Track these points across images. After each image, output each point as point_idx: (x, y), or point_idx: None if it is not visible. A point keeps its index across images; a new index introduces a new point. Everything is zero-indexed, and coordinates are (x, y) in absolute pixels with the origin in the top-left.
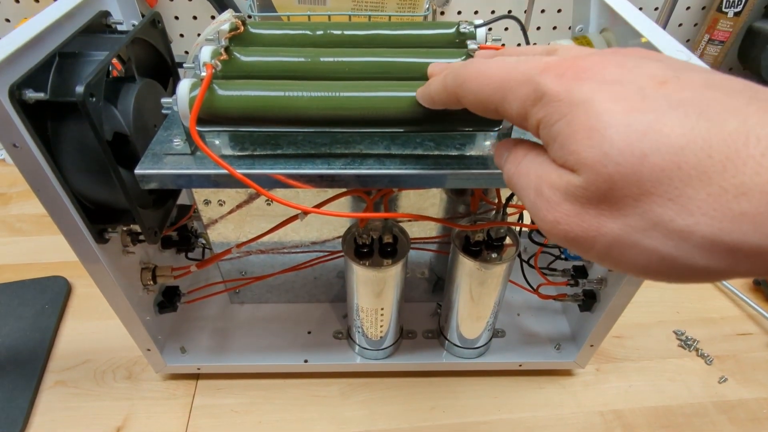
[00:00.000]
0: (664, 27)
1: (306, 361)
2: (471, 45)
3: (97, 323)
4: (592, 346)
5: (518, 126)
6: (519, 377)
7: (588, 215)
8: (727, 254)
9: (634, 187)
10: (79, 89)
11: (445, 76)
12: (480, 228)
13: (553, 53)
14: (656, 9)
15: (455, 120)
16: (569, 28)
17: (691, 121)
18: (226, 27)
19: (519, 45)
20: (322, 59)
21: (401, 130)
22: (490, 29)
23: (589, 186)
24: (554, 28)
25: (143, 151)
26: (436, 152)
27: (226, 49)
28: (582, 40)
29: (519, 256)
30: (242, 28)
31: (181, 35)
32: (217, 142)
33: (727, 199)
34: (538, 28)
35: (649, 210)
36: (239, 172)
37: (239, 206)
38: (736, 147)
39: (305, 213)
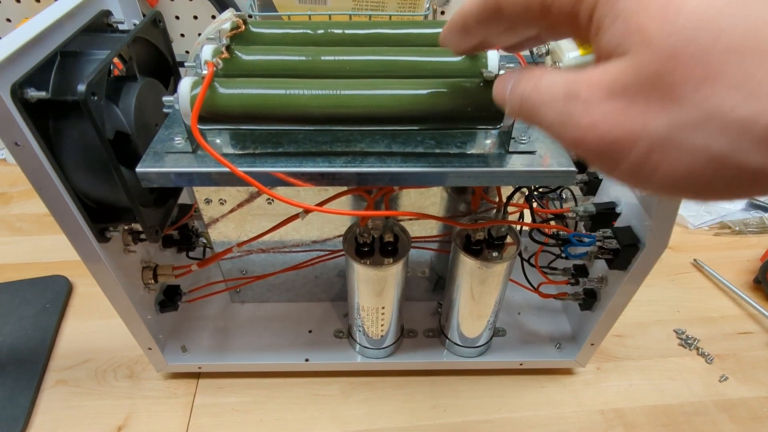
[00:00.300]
0: None
1: (307, 360)
2: None
3: (98, 322)
4: (592, 344)
5: (566, 18)
6: (520, 376)
7: (634, 110)
8: None
9: (699, 69)
10: (81, 88)
11: None
12: (481, 227)
13: None
14: None
15: (456, 118)
16: None
17: None
18: (227, 26)
19: None
20: (323, 58)
21: (402, 128)
22: None
23: (645, 69)
24: None
25: (144, 149)
26: (437, 150)
27: (227, 48)
28: None
29: (520, 254)
30: (243, 27)
31: (182, 35)
32: (218, 140)
33: None
34: None
35: (711, 96)
36: (240, 170)
37: (240, 205)
38: None
39: (306, 211)
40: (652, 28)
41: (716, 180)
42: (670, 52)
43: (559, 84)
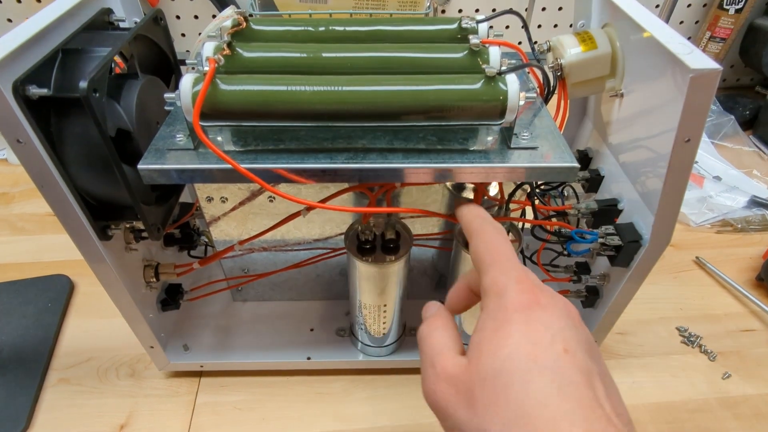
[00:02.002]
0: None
1: (309, 359)
2: (473, 40)
3: (100, 321)
4: (595, 342)
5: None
6: None
7: (456, 398)
8: None
9: (483, 399)
10: (83, 85)
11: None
12: None
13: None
14: (657, 6)
15: (458, 113)
16: (570, 25)
17: (545, 389)
18: (228, 23)
19: (520, 43)
20: (324, 54)
21: (404, 125)
22: (491, 26)
23: (468, 380)
24: (555, 26)
25: (146, 147)
26: (439, 146)
27: (229, 45)
28: (584, 35)
29: (522, 252)
30: (244, 24)
31: (183, 35)
32: (219, 137)
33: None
34: (539, 26)
35: (478, 416)
36: (242, 166)
37: (242, 203)
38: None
39: (308, 209)
40: (484, 353)
41: None
42: (480, 377)
43: (432, 350)
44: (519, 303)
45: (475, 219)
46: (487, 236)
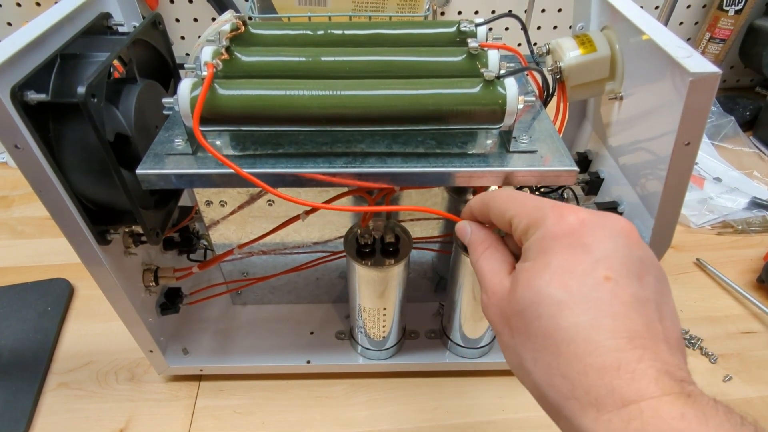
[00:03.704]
0: (665, 25)
1: (308, 362)
2: (472, 43)
3: (99, 325)
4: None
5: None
6: None
7: (502, 316)
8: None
9: (523, 325)
10: (81, 90)
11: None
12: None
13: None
14: (656, 8)
15: (457, 117)
16: (569, 27)
17: (594, 319)
18: (227, 27)
19: (519, 45)
20: (323, 58)
21: (402, 129)
22: (490, 28)
23: (513, 303)
24: (555, 27)
25: (145, 151)
26: (438, 150)
27: (227, 49)
28: (583, 37)
29: None
30: (243, 28)
31: (182, 38)
32: (218, 142)
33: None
34: (539, 28)
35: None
36: (244, 171)
37: (241, 207)
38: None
39: (308, 212)
40: (521, 282)
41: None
42: (516, 306)
43: (483, 276)
44: (559, 229)
45: (481, 196)
46: (504, 192)
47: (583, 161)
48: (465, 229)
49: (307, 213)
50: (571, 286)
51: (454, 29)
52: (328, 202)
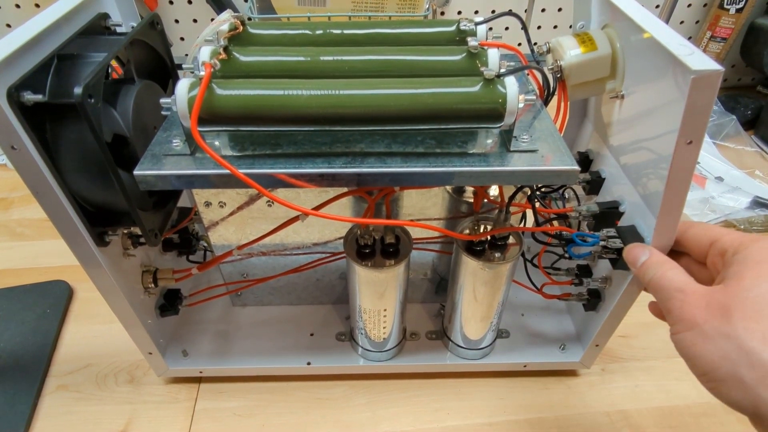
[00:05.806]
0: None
1: (309, 364)
2: (471, 42)
3: (98, 327)
4: (597, 345)
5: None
6: (524, 378)
7: (707, 312)
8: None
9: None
10: (78, 91)
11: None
12: (483, 237)
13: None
14: (657, 6)
15: (457, 116)
16: (570, 26)
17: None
18: (225, 27)
19: (519, 44)
20: (321, 58)
21: (402, 128)
22: (490, 28)
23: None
24: (555, 27)
25: (143, 152)
26: (438, 150)
27: (225, 49)
28: (584, 36)
29: (522, 255)
30: (241, 28)
31: (182, 38)
32: (216, 142)
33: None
34: (539, 27)
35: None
36: (240, 172)
37: (240, 208)
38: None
39: (305, 215)
40: (746, 279)
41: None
42: (741, 297)
43: (678, 283)
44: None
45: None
46: (699, 226)
47: (584, 160)
48: (642, 250)
49: (306, 214)
50: None
51: (453, 28)
52: (327, 203)
